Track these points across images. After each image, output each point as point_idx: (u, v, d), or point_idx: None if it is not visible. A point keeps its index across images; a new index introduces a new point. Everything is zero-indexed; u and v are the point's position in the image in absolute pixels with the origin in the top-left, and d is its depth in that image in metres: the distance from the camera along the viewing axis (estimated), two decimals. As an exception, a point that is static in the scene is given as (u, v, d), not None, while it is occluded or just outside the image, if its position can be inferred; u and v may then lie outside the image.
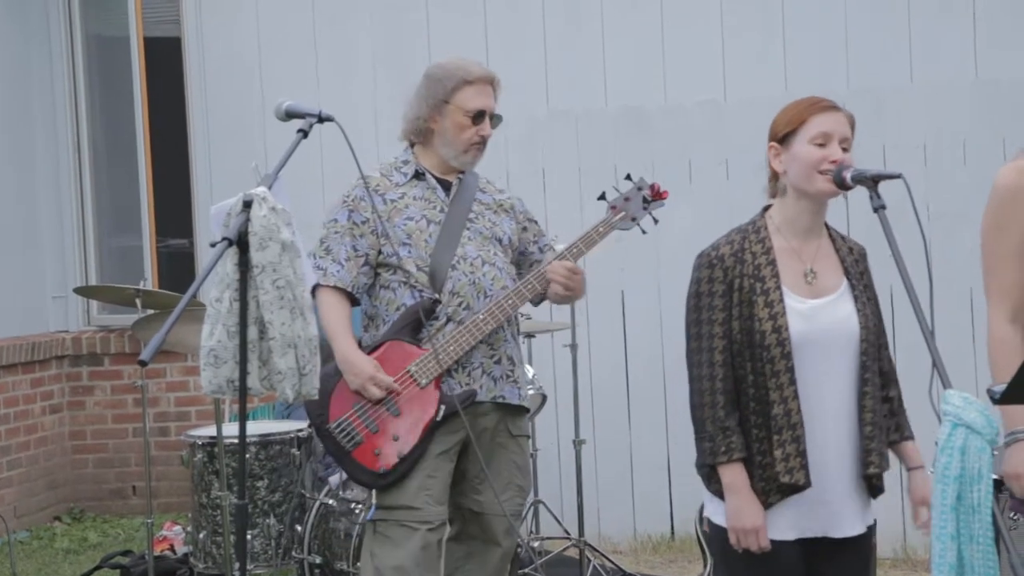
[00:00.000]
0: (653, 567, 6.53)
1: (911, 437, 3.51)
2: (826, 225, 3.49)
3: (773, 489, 3.36)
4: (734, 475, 3.37)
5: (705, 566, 5.14)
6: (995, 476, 3.23)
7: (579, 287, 4.26)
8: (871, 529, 3.47)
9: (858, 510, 3.43)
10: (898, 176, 3.22)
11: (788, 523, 3.38)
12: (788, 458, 3.33)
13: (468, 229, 4.27)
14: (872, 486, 3.44)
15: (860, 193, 3.33)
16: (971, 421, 2.84)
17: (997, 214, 3.46)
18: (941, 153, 6.58)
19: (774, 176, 3.46)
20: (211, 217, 4.59)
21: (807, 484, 3.34)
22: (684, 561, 6.54)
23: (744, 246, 3.42)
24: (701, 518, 5.13)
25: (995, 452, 2.90)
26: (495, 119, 4.29)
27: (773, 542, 3.37)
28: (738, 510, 3.37)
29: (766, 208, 3.50)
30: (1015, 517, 4.44)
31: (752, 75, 6.84)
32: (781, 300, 3.36)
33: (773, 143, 3.43)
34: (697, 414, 3.41)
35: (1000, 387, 3.02)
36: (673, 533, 6.89)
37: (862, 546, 3.45)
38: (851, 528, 3.41)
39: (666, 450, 6.96)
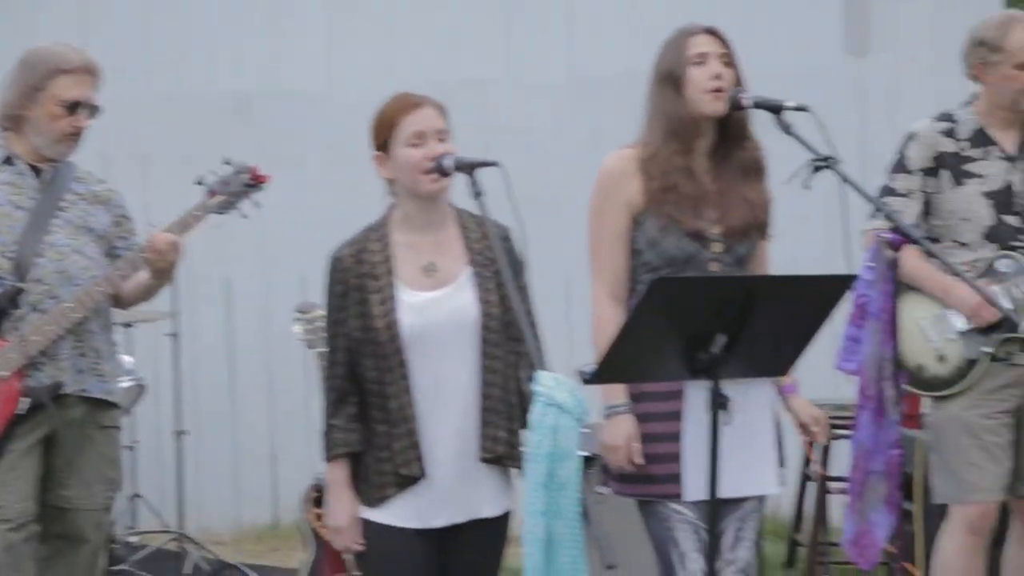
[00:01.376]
0: (256, 556, 6.47)
1: None
2: (460, 212, 3.52)
3: (391, 483, 3.39)
4: (334, 473, 3.42)
5: (314, 554, 5.14)
6: (584, 453, 3.38)
7: (173, 267, 4.14)
8: (507, 515, 3.49)
9: (489, 495, 3.45)
10: (495, 164, 3.30)
11: (412, 513, 3.41)
12: (404, 450, 3.37)
13: (58, 217, 4.10)
14: (515, 467, 3.45)
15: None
16: (562, 401, 2.94)
17: (600, 198, 3.60)
18: (536, 144, 6.80)
19: (390, 182, 3.48)
20: None
21: (422, 475, 3.38)
22: (288, 549, 6.50)
23: (365, 245, 3.44)
24: (306, 505, 5.14)
25: (584, 431, 3.01)
26: (93, 110, 4.13)
27: (396, 532, 3.39)
28: (332, 508, 3.43)
29: (394, 204, 3.51)
30: (601, 492, 4.65)
31: (359, 66, 6.87)
32: (393, 296, 3.39)
33: (377, 153, 3.46)
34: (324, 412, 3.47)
35: (590, 368, 3.16)
36: (277, 522, 6.85)
37: (494, 531, 3.48)
38: (481, 512, 3.45)
39: (271, 439, 6.91)
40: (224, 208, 4.25)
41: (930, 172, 4.26)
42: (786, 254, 6.80)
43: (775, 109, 3.51)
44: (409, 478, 3.38)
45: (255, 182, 4.28)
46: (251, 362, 6.90)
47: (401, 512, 3.40)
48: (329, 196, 6.61)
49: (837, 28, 6.89)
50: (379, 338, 3.37)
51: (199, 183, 4.25)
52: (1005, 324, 4.11)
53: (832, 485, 5.52)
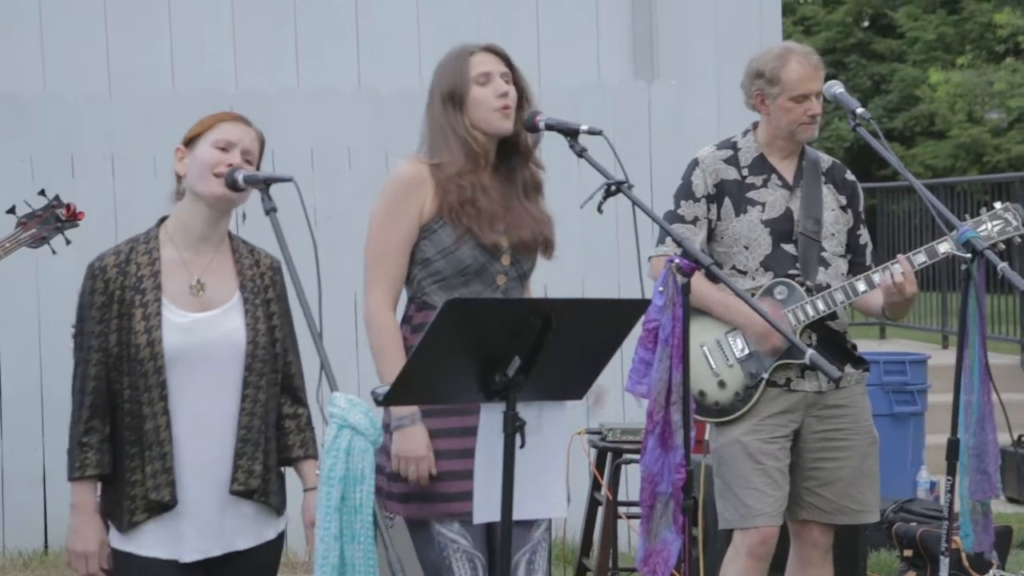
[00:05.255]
0: (23, 584, 6.20)
1: (314, 456, 3.46)
2: (232, 237, 3.45)
3: (140, 508, 3.27)
4: (80, 494, 3.29)
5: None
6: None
7: None
8: (270, 544, 3.41)
9: (244, 527, 3.35)
10: (289, 179, 3.23)
11: (163, 543, 3.29)
12: (156, 475, 3.26)
13: None
14: (266, 504, 3.37)
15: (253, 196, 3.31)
16: (356, 423, 2.89)
17: (391, 203, 3.56)
18: (327, 158, 6.71)
19: (179, 179, 3.41)
20: None
21: (173, 502, 3.27)
22: (58, 576, 6.27)
23: (131, 257, 3.33)
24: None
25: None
26: None
27: (147, 561, 3.27)
28: (76, 532, 3.30)
29: (163, 219, 3.42)
30: (391, 516, 4.59)
31: (137, 70, 6.69)
32: (159, 313, 3.28)
33: (180, 146, 3.39)
34: (70, 428, 3.31)
35: (383, 389, 3.10)
36: (47, 548, 6.57)
37: (257, 563, 3.39)
38: (236, 545, 3.35)
39: (42, 462, 6.61)
40: (36, 244, 4.11)
41: (713, 199, 4.32)
42: (578, 277, 6.84)
43: (570, 133, 3.52)
44: (159, 504, 3.26)
45: (70, 219, 4.15)
46: (21, 383, 6.60)
47: (151, 541, 3.29)
48: (103, 204, 6.42)
49: (627, 51, 6.99)
50: (138, 355, 3.26)
51: (11, 212, 4.10)
52: (791, 350, 4.17)
53: (621, 510, 5.54)
